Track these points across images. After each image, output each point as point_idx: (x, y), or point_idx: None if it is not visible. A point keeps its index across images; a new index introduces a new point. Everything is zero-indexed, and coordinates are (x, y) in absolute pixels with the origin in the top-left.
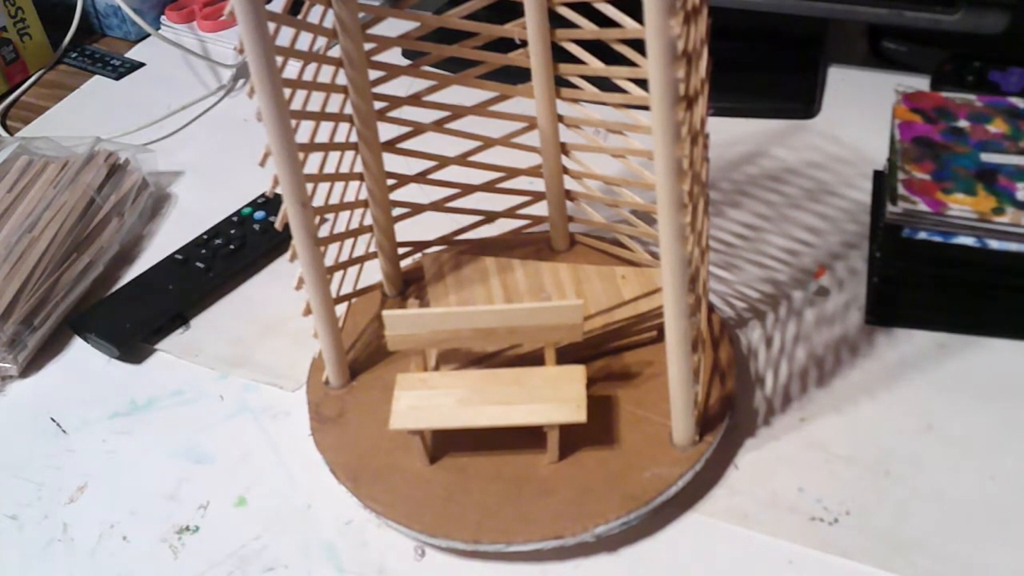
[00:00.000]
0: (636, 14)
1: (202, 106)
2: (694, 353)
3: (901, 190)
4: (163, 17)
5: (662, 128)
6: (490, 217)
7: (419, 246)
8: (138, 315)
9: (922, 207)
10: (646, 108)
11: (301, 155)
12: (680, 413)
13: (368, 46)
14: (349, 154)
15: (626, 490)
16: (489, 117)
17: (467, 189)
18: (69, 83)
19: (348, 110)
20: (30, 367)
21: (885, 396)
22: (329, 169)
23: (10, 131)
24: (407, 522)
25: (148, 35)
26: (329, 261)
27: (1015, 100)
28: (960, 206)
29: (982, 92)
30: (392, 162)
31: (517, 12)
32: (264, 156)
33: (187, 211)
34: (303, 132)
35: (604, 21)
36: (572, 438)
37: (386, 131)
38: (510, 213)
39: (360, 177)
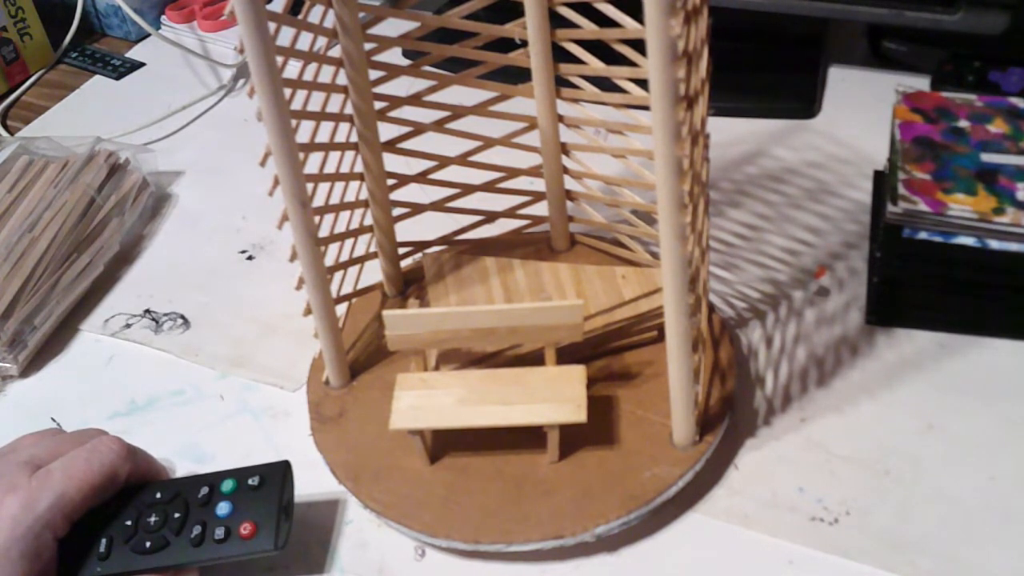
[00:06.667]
0: (636, 14)
1: (202, 106)
2: (694, 353)
3: (901, 190)
4: (163, 17)
5: (662, 128)
6: (490, 217)
7: (419, 246)
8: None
9: (922, 207)
10: (646, 108)
11: (301, 155)
12: (680, 413)
13: (368, 46)
14: (349, 154)
15: (626, 490)
16: (489, 117)
17: (467, 189)
18: (69, 83)
19: (348, 110)
20: (30, 367)
21: (885, 396)
22: (329, 169)
23: (10, 131)
24: (407, 522)
25: (148, 35)
26: (329, 261)
27: (1015, 100)
28: (960, 206)
29: (982, 92)
30: (392, 162)
31: (517, 12)
32: (264, 156)
33: (187, 211)
34: (303, 132)
35: (604, 21)
36: (572, 438)
37: (386, 131)
38: (510, 213)
39: (360, 177)
